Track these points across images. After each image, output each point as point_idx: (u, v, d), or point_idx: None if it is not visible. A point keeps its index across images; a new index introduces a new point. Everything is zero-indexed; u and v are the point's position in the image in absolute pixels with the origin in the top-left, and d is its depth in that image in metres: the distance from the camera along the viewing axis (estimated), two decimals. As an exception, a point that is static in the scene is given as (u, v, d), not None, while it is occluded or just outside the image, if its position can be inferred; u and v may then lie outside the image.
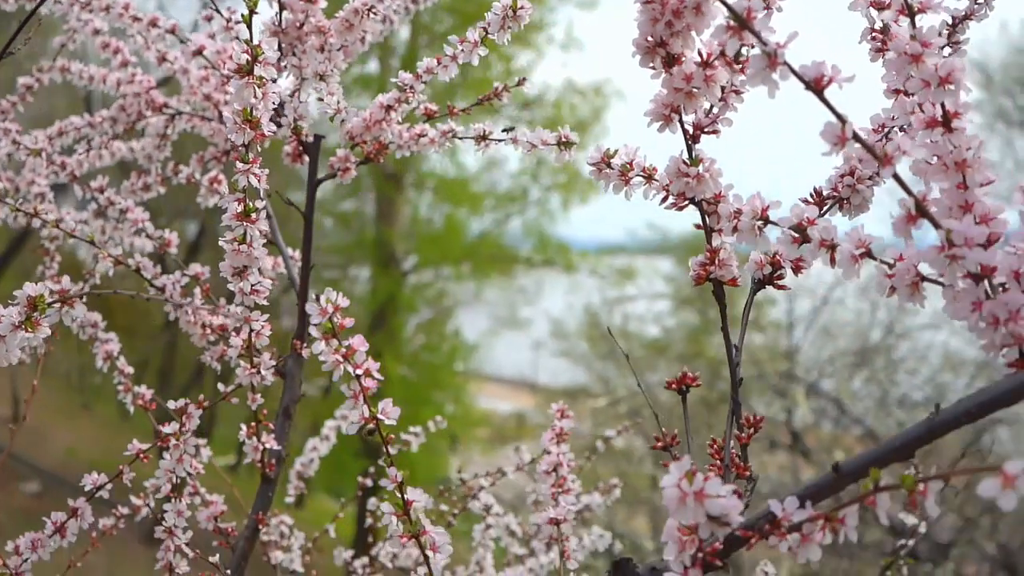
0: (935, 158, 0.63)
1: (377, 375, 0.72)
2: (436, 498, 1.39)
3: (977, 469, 0.48)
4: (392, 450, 0.74)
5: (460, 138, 1.08)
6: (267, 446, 1.09)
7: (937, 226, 0.59)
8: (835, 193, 0.79)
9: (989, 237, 0.61)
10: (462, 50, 1.00)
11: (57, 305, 0.75)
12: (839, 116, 0.58)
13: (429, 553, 0.74)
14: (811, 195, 0.80)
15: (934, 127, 0.62)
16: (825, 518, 0.57)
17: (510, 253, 11.55)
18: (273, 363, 1.02)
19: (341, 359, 0.71)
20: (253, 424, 1.08)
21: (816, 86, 0.58)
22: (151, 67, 1.38)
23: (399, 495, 0.74)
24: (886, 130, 0.80)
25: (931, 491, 0.52)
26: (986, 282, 0.61)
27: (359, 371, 0.71)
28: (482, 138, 1.05)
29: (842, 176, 0.79)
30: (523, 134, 1.01)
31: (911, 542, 1.21)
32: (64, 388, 11.90)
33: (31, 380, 1.24)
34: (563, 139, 0.96)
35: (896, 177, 0.59)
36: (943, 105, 0.62)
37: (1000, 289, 0.60)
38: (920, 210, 0.59)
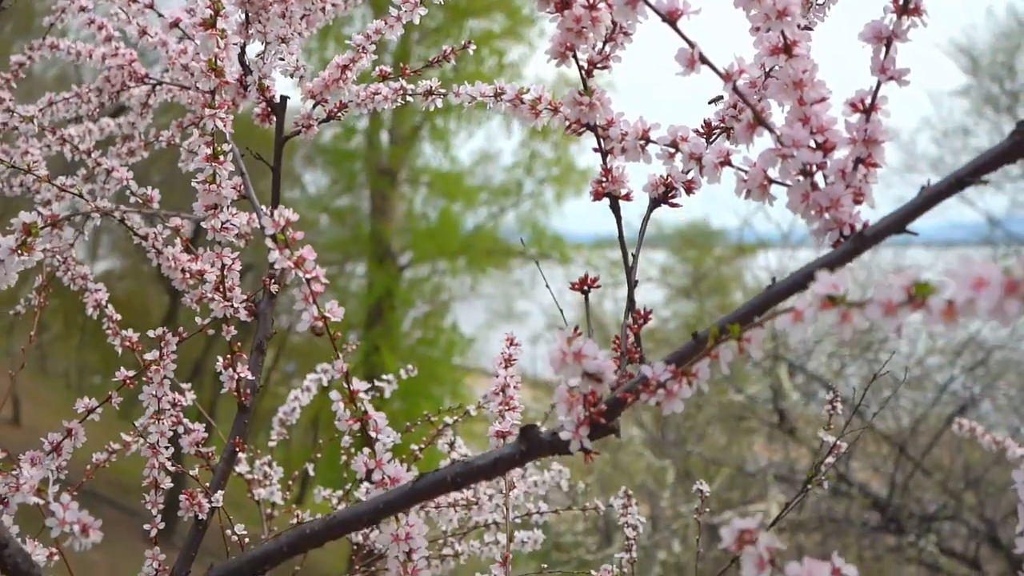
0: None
1: (324, 280, 0.84)
2: (403, 434, 1.50)
3: (777, 314, 0.60)
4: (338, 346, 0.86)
5: (410, 95, 1.20)
6: (242, 376, 1.21)
7: (771, 131, 0.71)
8: (722, 124, 0.91)
9: (825, 144, 0.73)
10: (405, 10, 1.13)
11: (48, 229, 0.87)
12: (689, 42, 0.70)
13: (373, 434, 0.86)
14: (702, 125, 0.92)
15: (777, 54, 0.75)
16: (682, 373, 0.69)
17: (505, 247, 11.67)
18: (244, 297, 1.14)
19: (293, 265, 0.83)
20: (229, 356, 1.20)
21: (670, 17, 0.70)
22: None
23: (346, 385, 0.86)
24: (767, 68, 0.92)
25: (755, 340, 0.64)
26: (821, 179, 0.73)
27: (309, 276, 0.83)
28: (428, 93, 1.18)
29: (728, 108, 0.91)
30: (464, 88, 1.12)
31: (831, 460, 1.33)
32: (63, 388, 12.03)
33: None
34: (498, 91, 1.08)
35: (736, 91, 0.71)
36: (783, 34, 0.74)
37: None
38: (758, 119, 0.71)
